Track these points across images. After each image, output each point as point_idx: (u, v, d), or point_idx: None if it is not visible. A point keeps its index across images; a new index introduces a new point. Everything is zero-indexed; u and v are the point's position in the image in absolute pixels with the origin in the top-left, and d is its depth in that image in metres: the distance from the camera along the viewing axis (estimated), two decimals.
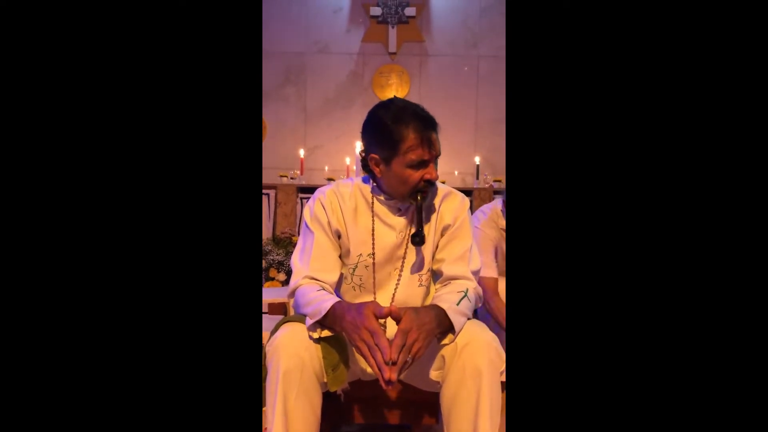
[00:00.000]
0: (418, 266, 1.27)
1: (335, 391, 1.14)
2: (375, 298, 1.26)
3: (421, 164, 1.17)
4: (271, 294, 2.33)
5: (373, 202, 1.27)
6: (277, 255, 3.16)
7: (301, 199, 3.58)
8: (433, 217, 1.26)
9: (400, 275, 1.27)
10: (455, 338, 1.10)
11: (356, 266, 1.26)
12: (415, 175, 1.17)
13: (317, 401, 1.11)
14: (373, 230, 1.25)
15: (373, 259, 1.25)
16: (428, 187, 1.20)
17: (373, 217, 1.26)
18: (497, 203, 2.02)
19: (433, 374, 1.16)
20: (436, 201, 1.27)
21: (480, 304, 1.27)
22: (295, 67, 4.13)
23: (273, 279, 3.14)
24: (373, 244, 1.25)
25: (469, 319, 1.16)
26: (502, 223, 1.96)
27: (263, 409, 1.11)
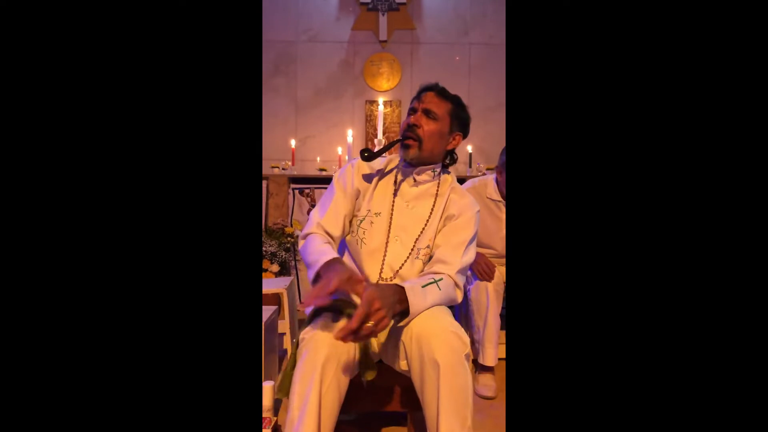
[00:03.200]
0: (417, 238, 1.31)
1: (369, 380, 1.17)
2: (372, 257, 1.32)
3: (412, 111, 1.37)
4: (264, 285, 2.32)
5: (398, 168, 1.39)
6: (270, 246, 3.14)
7: (293, 189, 3.55)
8: (443, 205, 1.35)
9: (398, 241, 1.31)
10: (409, 321, 1.12)
11: (363, 219, 1.34)
12: (408, 119, 1.37)
13: (344, 391, 1.13)
14: (386, 192, 1.35)
15: (379, 221, 1.32)
16: (408, 131, 1.34)
17: (394, 181, 1.37)
18: (488, 176, 2.13)
19: (401, 363, 1.16)
20: (447, 188, 1.38)
21: (461, 299, 1.27)
22: (284, 56, 4.09)
23: (266, 270, 3.12)
24: (390, 207, 1.33)
25: (436, 306, 1.17)
26: (490, 192, 2.03)
27: (288, 395, 1.12)
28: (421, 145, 1.33)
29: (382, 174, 1.39)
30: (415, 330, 1.10)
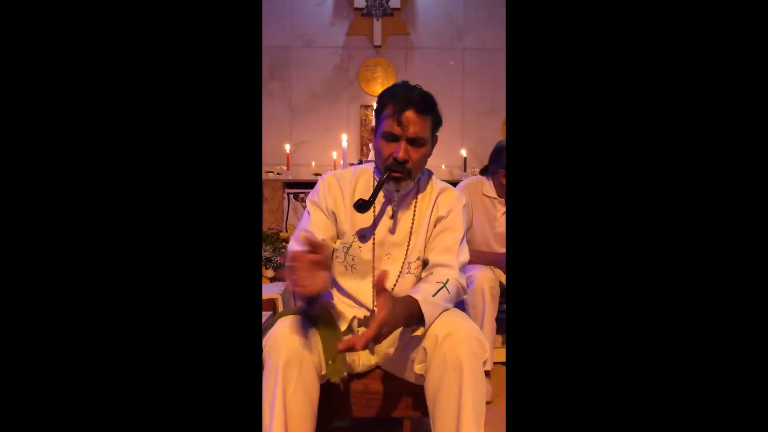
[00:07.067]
0: (409, 254, 1.28)
1: (335, 382, 1.13)
2: (364, 282, 1.27)
3: (392, 138, 1.20)
4: None
5: (375, 183, 1.29)
6: (264, 251, 3.13)
7: (288, 194, 3.55)
8: (430, 209, 1.29)
9: (389, 259, 1.28)
10: (426, 330, 1.10)
11: (350, 246, 1.27)
12: (387, 148, 1.21)
13: (315, 395, 1.11)
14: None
15: (366, 242, 1.27)
16: (396, 166, 1.20)
17: (372, 196, 1.27)
18: (480, 176, 2.17)
19: (417, 367, 1.15)
20: (434, 194, 1.31)
21: (464, 296, 1.27)
22: (279, 61, 4.09)
23: None
24: (372, 225, 1.27)
25: (448, 309, 1.16)
26: (486, 189, 2.07)
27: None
28: (411, 175, 1.23)
29: (355, 191, 1.28)
30: (440, 335, 1.08)
